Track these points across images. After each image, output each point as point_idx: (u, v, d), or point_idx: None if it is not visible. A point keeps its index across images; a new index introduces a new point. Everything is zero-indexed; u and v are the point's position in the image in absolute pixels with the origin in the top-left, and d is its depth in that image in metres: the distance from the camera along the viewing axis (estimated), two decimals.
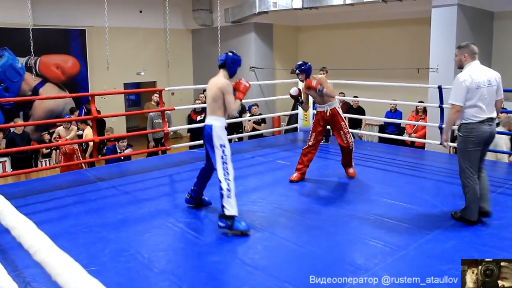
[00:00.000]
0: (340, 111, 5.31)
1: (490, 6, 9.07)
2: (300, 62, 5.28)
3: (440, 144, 4.26)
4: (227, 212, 3.73)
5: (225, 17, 12.72)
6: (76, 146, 8.50)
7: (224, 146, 3.85)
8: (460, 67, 3.96)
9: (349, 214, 4.18)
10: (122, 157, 7.09)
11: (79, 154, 8.46)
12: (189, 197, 4.42)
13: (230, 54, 4.15)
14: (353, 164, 5.49)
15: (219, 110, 3.95)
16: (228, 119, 9.46)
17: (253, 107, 9.44)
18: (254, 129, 9.39)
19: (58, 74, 11.77)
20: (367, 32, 11.81)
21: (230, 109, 3.95)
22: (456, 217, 3.93)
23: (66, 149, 8.11)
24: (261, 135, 8.91)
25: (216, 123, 3.91)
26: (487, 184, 3.96)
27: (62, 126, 8.19)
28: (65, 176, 6.24)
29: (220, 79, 4.02)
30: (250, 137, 8.59)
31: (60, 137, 8.13)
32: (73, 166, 7.68)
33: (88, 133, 8.70)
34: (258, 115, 9.34)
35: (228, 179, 3.80)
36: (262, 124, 9.51)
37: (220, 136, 3.86)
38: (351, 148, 5.33)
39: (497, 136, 4.55)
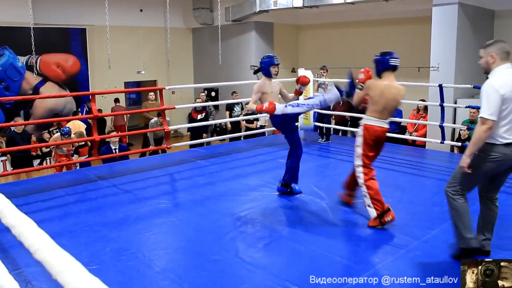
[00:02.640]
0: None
1: (491, 5, 9.05)
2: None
3: (461, 167, 3.01)
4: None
5: (226, 15, 12.71)
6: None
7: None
8: (486, 72, 3.10)
9: (349, 213, 4.19)
10: (117, 157, 7.02)
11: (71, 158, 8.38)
12: (280, 185, 4.75)
13: (262, 58, 4.67)
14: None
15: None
16: (230, 117, 9.47)
17: (246, 106, 9.41)
18: (247, 128, 9.36)
19: (58, 73, 11.77)
20: (367, 30, 11.79)
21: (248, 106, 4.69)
22: (457, 256, 3.16)
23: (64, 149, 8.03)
24: (255, 135, 8.83)
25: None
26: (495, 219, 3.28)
27: (58, 134, 8.08)
28: (65, 175, 6.24)
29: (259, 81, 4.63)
30: (245, 137, 8.49)
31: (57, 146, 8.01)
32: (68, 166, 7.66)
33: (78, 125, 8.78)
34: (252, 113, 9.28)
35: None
36: (255, 122, 9.48)
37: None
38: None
39: None
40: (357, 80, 4.17)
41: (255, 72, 4.80)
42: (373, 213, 3.75)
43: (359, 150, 3.86)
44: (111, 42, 10.10)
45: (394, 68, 3.86)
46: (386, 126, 3.89)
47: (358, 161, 3.86)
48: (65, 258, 1.63)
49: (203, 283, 2.96)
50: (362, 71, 4.11)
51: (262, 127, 9.58)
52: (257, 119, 9.45)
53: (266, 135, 9.38)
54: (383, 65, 3.85)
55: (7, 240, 3.36)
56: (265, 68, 4.58)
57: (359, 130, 3.88)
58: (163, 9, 12.35)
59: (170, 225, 3.99)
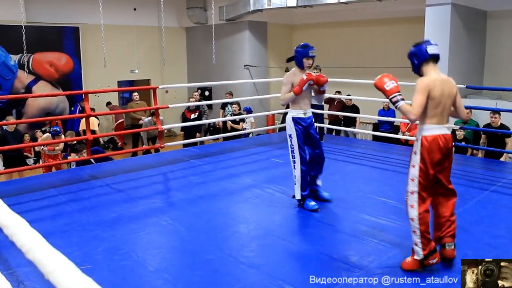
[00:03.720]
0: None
1: (483, 5, 9.10)
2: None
3: None
4: (295, 196, 4.29)
5: (220, 15, 12.69)
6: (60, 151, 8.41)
7: (291, 137, 4.22)
8: None
9: (344, 213, 4.19)
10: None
11: (61, 158, 8.33)
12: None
13: (297, 46, 4.32)
14: None
15: (291, 102, 4.26)
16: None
17: (233, 105, 9.38)
18: (232, 129, 9.32)
19: (51, 72, 11.71)
20: (361, 30, 11.83)
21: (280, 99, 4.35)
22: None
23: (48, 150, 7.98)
24: (240, 136, 8.67)
25: (289, 114, 4.27)
26: None
27: (47, 134, 8.01)
28: (58, 174, 6.21)
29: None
30: (227, 138, 8.21)
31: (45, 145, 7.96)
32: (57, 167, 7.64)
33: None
34: (238, 114, 9.23)
35: (294, 167, 4.22)
36: (241, 123, 9.42)
37: (289, 126, 4.23)
38: None
39: None
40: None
41: (288, 60, 4.38)
42: (418, 252, 2.97)
43: (414, 172, 2.99)
44: (105, 41, 10.05)
45: (435, 58, 3.09)
46: (449, 132, 3.11)
47: (413, 187, 2.99)
48: (58, 258, 1.61)
49: (197, 282, 2.95)
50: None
51: (245, 130, 9.24)
52: (243, 120, 9.39)
53: (250, 136, 9.25)
54: (420, 56, 3.07)
55: None
56: (298, 58, 4.20)
57: (415, 146, 3.03)
58: (156, 8, 12.33)
59: (164, 224, 3.97)
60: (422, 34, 8.69)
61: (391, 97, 3.00)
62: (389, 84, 3.02)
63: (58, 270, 1.53)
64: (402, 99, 2.98)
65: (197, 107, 9.45)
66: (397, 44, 10.58)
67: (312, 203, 4.20)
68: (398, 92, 3.01)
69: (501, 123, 6.56)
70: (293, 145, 4.21)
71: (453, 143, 3.15)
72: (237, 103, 9.36)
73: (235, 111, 9.30)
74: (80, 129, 10.50)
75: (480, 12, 9.20)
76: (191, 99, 9.81)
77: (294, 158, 4.21)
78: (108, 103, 11.86)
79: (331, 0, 10.12)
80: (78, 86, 12.01)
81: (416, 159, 2.99)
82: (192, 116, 9.31)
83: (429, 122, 3.00)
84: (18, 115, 11.20)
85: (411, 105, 2.94)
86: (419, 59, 3.08)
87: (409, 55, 3.14)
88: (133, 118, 10.44)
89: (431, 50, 3.07)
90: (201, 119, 9.10)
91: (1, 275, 2.02)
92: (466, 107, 6.86)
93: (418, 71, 3.12)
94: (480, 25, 9.30)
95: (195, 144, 8.04)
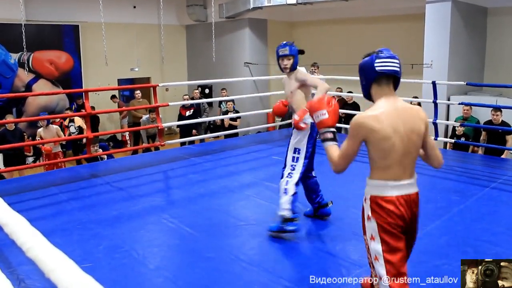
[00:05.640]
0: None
1: (484, 2, 9.09)
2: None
3: None
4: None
5: (219, 12, 12.67)
6: (59, 148, 8.39)
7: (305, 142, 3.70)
8: None
9: (344, 210, 4.19)
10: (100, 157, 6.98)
11: (62, 156, 8.33)
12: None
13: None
14: None
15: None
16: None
17: (228, 103, 9.40)
18: (230, 126, 9.35)
19: (51, 70, 11.68)
20: (361, 27, 11.80)
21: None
22: None
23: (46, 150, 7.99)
24: (237, 134, 8.79)
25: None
26: None
27: (41, 128, 8.01)
28: (59, 173, 6.21)
29: None
30: (227, 136, 8.34)
31: (42, 139, 7.96)
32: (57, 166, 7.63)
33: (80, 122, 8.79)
34: (233, 111, 9.28)
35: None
36: (238, 120, 9.47)
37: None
38: None
39: None
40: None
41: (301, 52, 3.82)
42: None
43: (376, 247, 2.10)
44: (105, 39, 10.03)
45: (389, 77, 2.12)
46: (414, 190, 2.16)
47: (381, 270, 2.09)
48: (58, 256, 1.61)
49: (197, 280, 2.95)
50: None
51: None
52: (239, 117, 9.42)
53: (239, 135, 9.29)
54: (367, 75, 2.14)
55: (0, 238, 3.34)
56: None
57: (365, 207, 2.16)
58: (156, 6, 12.29)
59: (164, 222, 3.98)
60: (422, 31, 8.69)
61: (320, 131, 2.20)
62: (319, 115, 2.18)
63: (58, 268, 1.53)
64: (333, 139, 2.16)
65: (192, 104, 9.47)
66: (397, 42, 10.57)
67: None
68: (329, 127, 2.16)
69: (502, 120, 6.57)
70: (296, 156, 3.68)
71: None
72: (232, 100, 9.40)
73: (229, 108, 9.32)
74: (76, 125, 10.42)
75: (480, 9, 9.18)
76: (185, 97, 9.85)
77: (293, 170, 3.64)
78: (113, 96, 11.84)
79: None
80: (78, 85, 11.99)
81: (373, 228, 2.10)
82: (187, 113, 9.33)
83: (379, 177, 2.11)
84: (18, 113, 11.19)
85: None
86: (366, 78, 2.15)
87: (359, 71, 2.19)
88: (134, 116, 10.45)
89: (380, 65, 2.09)
90: (196, 117, 9.14)
91: (2, 274, 2.02)
92: (467, 104, 6.96)
93: (368, 95, 2.20)
94: (481, 22, 9.28)
95: (192, 142, 8.08)
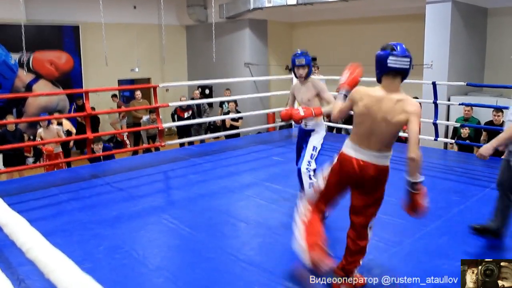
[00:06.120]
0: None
1: (484, 3, 9.08)
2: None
3: (481, 155, 3.35)
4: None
5: (220, 13, 12.67)
6: (60, 148, 8.39)
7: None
8: None
9: (343, 211, 4.18)
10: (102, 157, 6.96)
11: (62, 157, 8.33)
12: None
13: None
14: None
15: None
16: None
17: (230, 103, 9.40)
18: (232, 126, 9.35)
19: (51, 71, 11.68)
20: (361, 28, 11.81)
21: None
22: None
23: (48, 151, 7.99)
24: (238, 134, 8.82)
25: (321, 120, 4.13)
26: None
27: (42, 128, 8.00)
28: (59, 173, 6.21)
29: None
30: (228, 136, 8.38)
31: (42, 139, 7.96)
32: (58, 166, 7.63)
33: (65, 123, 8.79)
34: (235, 111, 9.29)
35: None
36: (240, 120, 9.47)
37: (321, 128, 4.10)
38: None
39: None
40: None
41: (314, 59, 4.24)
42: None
43: (326, 172, 2.81)
44: (105, 39, 10.04)
45: (396, 73, 2.53)
46: (363, 157, 2.64)
47: (320, 182, 2.84)
48: (58, 257, 1.62)
49: (198, 280, 2.96)
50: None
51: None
52: (241, 118, 9.42)
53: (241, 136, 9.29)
54: (380, 66, 2.58)
55: (0, 239, 3.34)
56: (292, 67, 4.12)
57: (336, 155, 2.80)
58: (156, 6, 12.31)
59: (164, 223, 3.98)
60: (423, 31, 8.68)
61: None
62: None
63: (58, 269, 1.53)
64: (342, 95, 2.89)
65: (190, 105, 9.47)
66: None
67: None
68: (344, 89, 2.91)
69: (503, 121, 6.56)
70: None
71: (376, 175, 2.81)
72: (234, 101, 9.40)
73: (231, 108, 9.32)
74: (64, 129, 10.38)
75: (480, 10, 9.18)
76: (182, 98, 9.86)
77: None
78: (114, 95, 11.84)
79: None
80: (78, 85, 11.99)
81: (333, 164, 2.76)
82: (186, 115, 9.35)
83: (350, 138, 2.69)
84: (18, 114, 11.19)
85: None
86: (380, 68, 2.58)
87: (375, 61, 2.61)
88: (134, 117, 10.46)
89: (393, 62, 2.51)
90: (195, 118, 9.14)
91: (2, 274, 2.02)
92: (467, 105, 6.96)
93: (379, 80, 2.62)
94: (481, 23, 9.28)
95: (191, 143, 8.09)
